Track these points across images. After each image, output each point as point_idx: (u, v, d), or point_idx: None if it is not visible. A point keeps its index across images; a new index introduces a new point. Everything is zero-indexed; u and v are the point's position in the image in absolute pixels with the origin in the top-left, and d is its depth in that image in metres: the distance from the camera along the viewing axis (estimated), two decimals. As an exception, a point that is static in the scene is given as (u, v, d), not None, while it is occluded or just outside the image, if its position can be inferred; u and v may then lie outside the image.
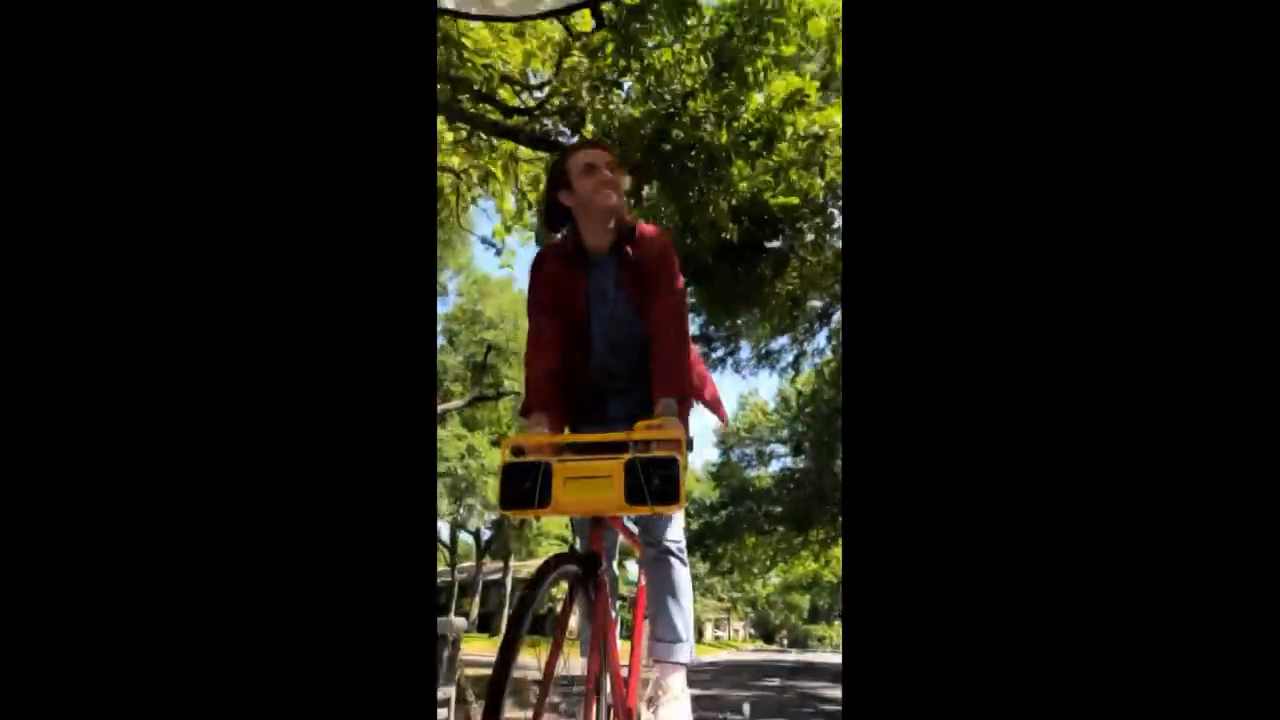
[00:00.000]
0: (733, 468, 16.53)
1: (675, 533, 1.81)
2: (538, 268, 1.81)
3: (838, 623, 44.19)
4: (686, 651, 1.77)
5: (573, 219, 1.76)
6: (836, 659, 24.51)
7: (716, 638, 34.87)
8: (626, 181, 1.79)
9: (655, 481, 1.40)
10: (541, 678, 1.33)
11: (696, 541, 15.60)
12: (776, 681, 11.70)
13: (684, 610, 1.79)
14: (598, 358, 1.82)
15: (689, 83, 4.37)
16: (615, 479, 1.42)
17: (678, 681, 1.75)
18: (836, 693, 9.67)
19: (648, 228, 1.80)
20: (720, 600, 32.22)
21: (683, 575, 1.81)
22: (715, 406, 1.95)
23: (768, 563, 19.42)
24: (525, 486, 1.43)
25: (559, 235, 1.83)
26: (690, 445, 1.57)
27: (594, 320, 1.80)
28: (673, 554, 1.79)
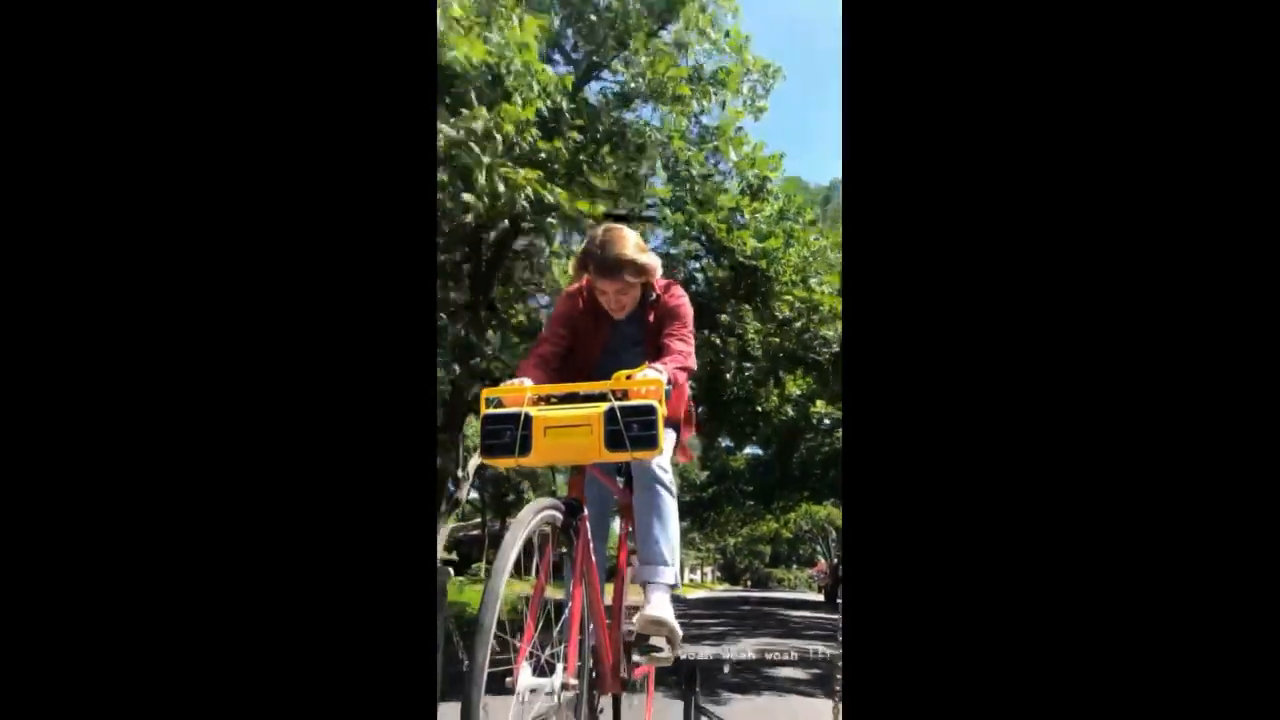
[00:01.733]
0: (717, 452, 21.54)
1: (664, 463, 1.85)
2: (572, 293, 2.02)
3: (795, 567, 50.31)
4: (671, 574, 1.81)
5: None
6: (790, 595, 30.32)
7: (690, 580, 40.81)
8: (638, 294, 1.92)
9: (634, 428, 1.45)
10: (527, 619, 1.38)
11: (688, 511, 20.82)
12: (747, 607, 17.06)
13: (669, 536, 1.83)
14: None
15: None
16: (595, 426, 1.46)
17: (662, 603, 1.78)
18: (787, 611, 14.98)
19: (668, 291, 1.97)
20: (699, 551, 38.08)
21: (669, 503, 1.85)
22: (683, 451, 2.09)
23: (740, 524, 24.90)
24: (506, 435, 1.46)
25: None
26: (675, 424, 1.79)
27: (604, 369, 1.91)
28: (661, 483, 1.85)
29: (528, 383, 1.62)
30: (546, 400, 1.60)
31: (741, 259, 6.21)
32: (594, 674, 1.64)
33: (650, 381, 1.52)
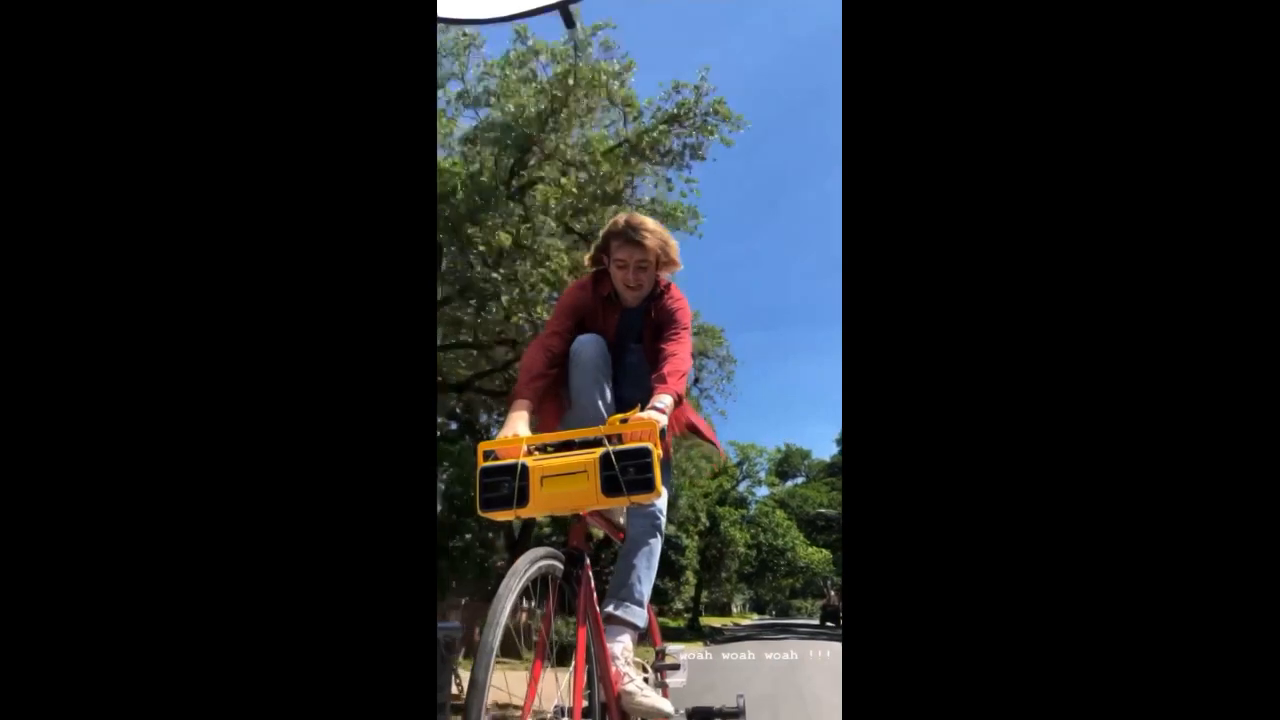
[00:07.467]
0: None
1: (663, 505, 1.88)
2: (581, 285, 2.05)
3: (810, 598, 66.23)
4: (642, 617, 1.82)
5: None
6: (806, 620, 46.21)
7: (736, 611, 56.94)
8: (654, 276, 1.98)
9: (630, 471, 1.44)
10: (531, 675, 1.37)
11: (745, 580, 37.23)
12: (778, 628, 33.58)
13: (649, 580, 1.86)
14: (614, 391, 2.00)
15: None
16: (591, 473, 1.45)
17: (627, 643, 1.76)
18: (798, 629, 31.15)
19: (669, 290, 2.03)
20: (741, 592, 54.20)
21: (658, 548, 1.89)
22: (714, 442, 2.20)
23: (772, 583, 41.31)
24: (504, 488, 1.46)
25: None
26: (666, 453, 1.66)
27: (618, 360, 2.00)
28: (659, 529, 1.89)
29: (523, 433, 1.65)
30: (543, 449, 1.60)
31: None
32: None
33: (645, 424, 1.52)
